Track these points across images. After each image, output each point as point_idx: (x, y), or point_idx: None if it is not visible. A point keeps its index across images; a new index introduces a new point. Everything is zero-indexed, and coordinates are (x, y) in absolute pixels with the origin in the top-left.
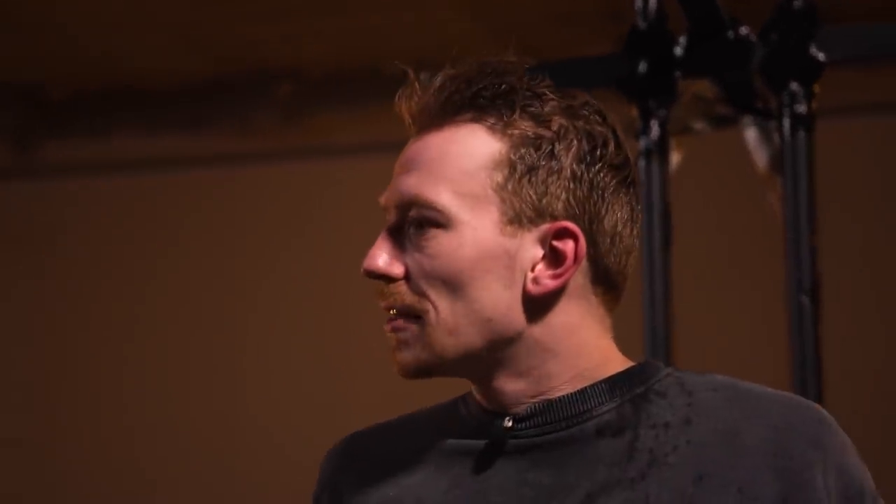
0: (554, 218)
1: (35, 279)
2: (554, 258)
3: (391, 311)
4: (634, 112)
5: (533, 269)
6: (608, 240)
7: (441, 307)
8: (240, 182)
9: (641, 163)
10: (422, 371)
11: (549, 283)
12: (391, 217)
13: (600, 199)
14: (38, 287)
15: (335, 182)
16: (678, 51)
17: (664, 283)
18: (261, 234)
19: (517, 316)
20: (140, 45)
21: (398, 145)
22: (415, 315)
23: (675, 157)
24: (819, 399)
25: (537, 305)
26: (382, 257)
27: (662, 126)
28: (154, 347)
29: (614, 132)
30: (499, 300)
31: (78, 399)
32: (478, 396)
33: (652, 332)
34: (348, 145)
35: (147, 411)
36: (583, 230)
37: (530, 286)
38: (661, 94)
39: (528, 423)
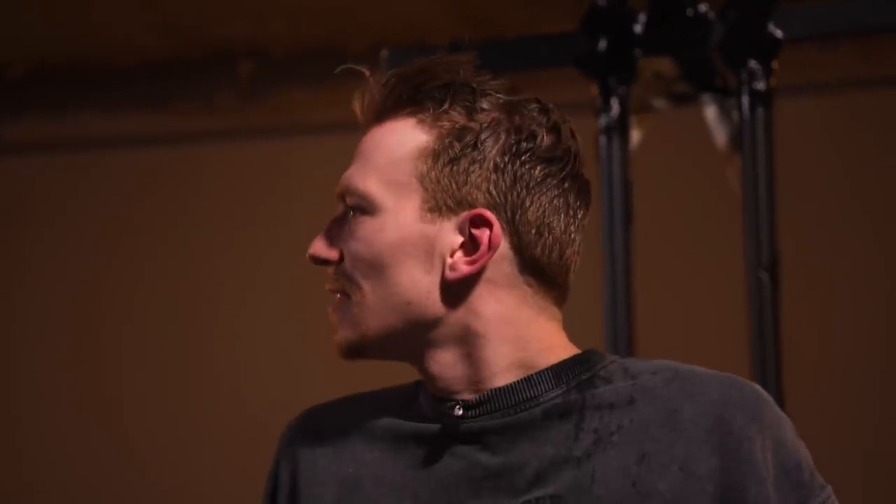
0: (474, 207)
1: None
2: (472, 245)
3: (332, 292)
4: (594, 90)
5: (452, 256)
6: (533, 230)
7: (366, 289)
8: (201, 160)
9: (602, 140)
10: (352, 350)
11: (464, 269)
12: (339, 206)
13: (524, 191)
14: None
15: (298, 160)
16: (638, 28)
17: (625, 260)
18: (222, 213)
19: (436, 300)
20: (100, 22)
21: (361, 125)
22: (346, 295)
23: (635, 135)
24: (777, 375)
25: (457, 291)
26: (321, 244)
27: (622, 104)
28: (110, 325)
29: (556, 128)
30: (418, 284)
31: (40, 379)
32: (426, 383)
33: (613, 309)
34: (311, 124)
35: (125, 395)
36: (505, 220)
37: (448, 272)
38: (621, 71)
39: (477, 411)
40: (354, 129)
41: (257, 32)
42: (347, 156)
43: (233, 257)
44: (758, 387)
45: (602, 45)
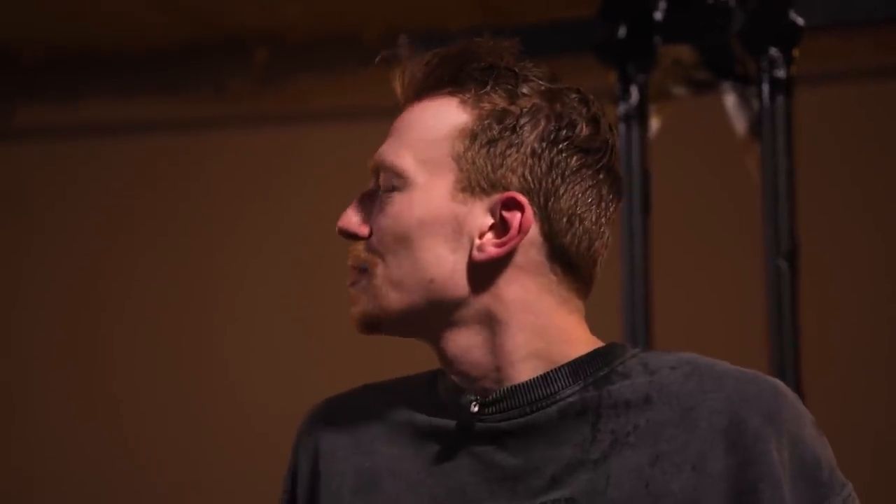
0: (507, 190)
1: (4, 242)
2: (502, 228)
3: (352, 268)
4: (613, 77)
5: (481, 237)
6: (565, 219)
7: (390, 263)
8: (214, 147)
9: (621, 128)
10: (371, 324)
11: (491, 251)
12: (371, 181)
13: (559, 178)
14: (6, 250)
15: (311, 148)
16: (658, 15)
17: (643, 249)
18: (235, 200)
19: (461, 280)
20: (113, 7)
21: (375, 111)
22: (366, 269)
23: (654, 123)
24: (796, 364)
25: (483, 273)
26: (352, 217)
27: (642, 91)
28: (121, 311)
29: (595, 120)
30: (443, 262)
31: (34, 362)
32: (446, 371)
33: (631, 299)
34: (325, 111)
35: (129, 385)
36: (537, 206)
37: (475, 253)
38: (641, 58)
39: (494, 408)
40: (367, 117)
41: (271, 19)
42: (361, 143)
43: (246, 244)
44: (777, 382)
45: (621, 31)
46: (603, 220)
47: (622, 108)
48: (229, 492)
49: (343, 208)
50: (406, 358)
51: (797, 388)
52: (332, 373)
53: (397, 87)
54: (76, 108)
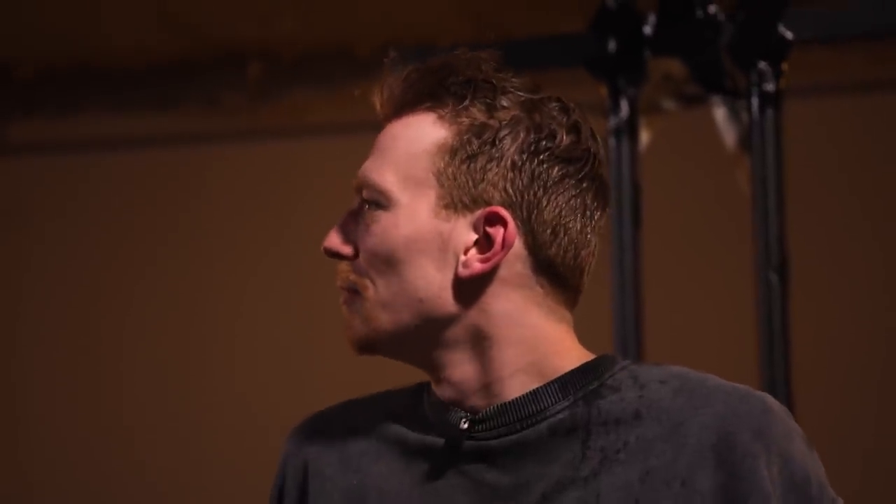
0: (489, 204)
1: (0, 257)
2: (486, 243)
3: (342, 289)
4: (604, 91)
5: (465, 253)
6: (549, 230)
7: (379, 284)
8: (210, 161)
9: (612, 142)
10: (365, 346)
11: (476, 267)
12: (355, 199)
13: (541, 190)
14: (2, 265)
15: (306, 162)
16: (647, 30)
17: (633, 261)
18: (230, 213)
19: (449, 298)
20: (108, 22)
21: (370, 125)
22: (357, 291)
23: (644, 137)
24: (786, 376)
25: (470, 289)
26: (336, 237)
27: (632, 105)
28: (118, 326)
29: (576, 128)
30: (431, 281)
31: (35, 375)
32: (434, 387)
33: (621, 311)
34: (319, 125)
35: (118, 396)
36: (520, 219)
37: (461, 269)
38: (631, 72)
39: (483, 426)
40: (363, 131)
41: (266, 34)
42: (356, 157)
43: (242, 258)
44: (767, 397)
45: (612, 46)
46: (588, 228)
47: (613, 122)
48: (230, 494)
49: (336, 221)
50: (405, 367)
51: (788, 401)
52: (330, 382)
53: (376, 102)
54: (72, 123)
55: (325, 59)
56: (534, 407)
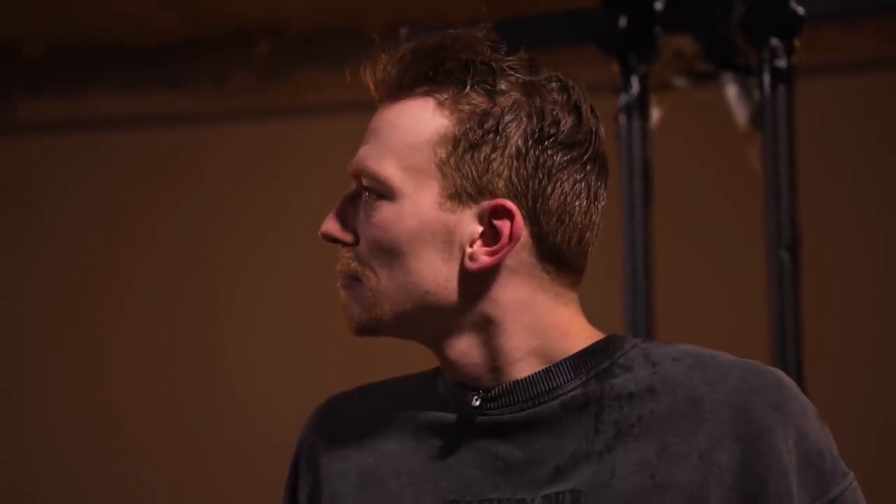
0: (494, 195)
1: (7, 235)
2: (492, 235)
3: (342, 273)
4: (615, 68)
5: (471, 245)
6: (554, 218)
7: (381, 275)
8: (216, 140)
9: (622, 119)
10: (365, 330)
11: (484, 260)
12: (352, 184)
13: (546, 178)
14: (8, 243)
15: (314, 140)
16: (658, 6)
17: (644, 240)
18: (237, 193)
19: (454, 289)
20: (114, 2)
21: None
22: (358, 278)
23: (655, 114)
24: (798, 354)
25: (476, 281)
26: (334, 223)
27: (643, 82)
28: (123, 306)
29: (577, 109)
30: (436, 273)
31: (36, 358)
32: (447, 371)
33: (632, 290)
34: (327, 104)
35: (116, 374)
36: (525, 209)
37: (468, 262)
38: (642, 49)
39: (496, 403)
40: (371, 110)
41: (272, 12)
42: (362, 137)
43: (249, 235)
44: (781, 373)
45: (622, 22)
46: (593, 209)
47: (623, 99)
48: (229, 492)
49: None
50: (407, 356)
51: (798, 378)
52: (332, 368)
53: (370, 82)
54: (78, 102)
55: (331, 37)
56: (545, 385)
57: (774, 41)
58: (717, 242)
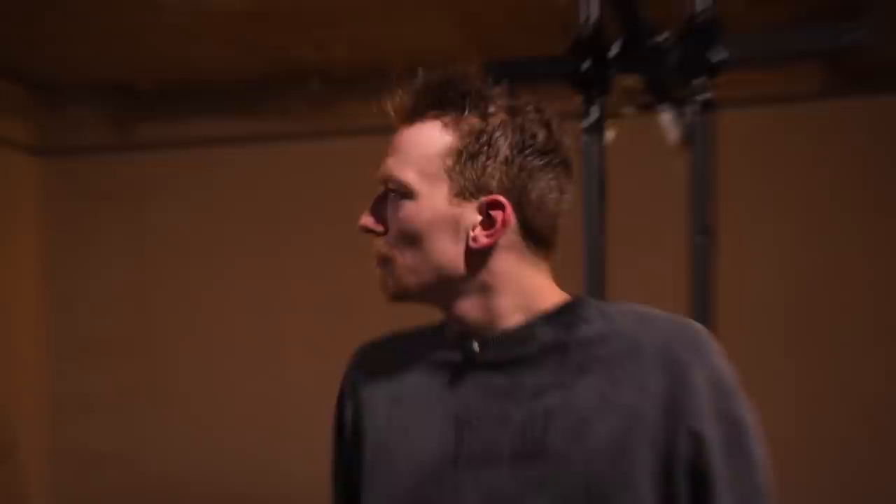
0: (490, 192)
1: (127, 235)
2: (489, 222)
3: (377, 257)
4: (579, 99)
5: (473, 230)
6: (535, 208)
7: (406, 255)
8: (281, 157)
9: (584, 138)
10: (397, 297)
11: (483, 240)
12: (381, 187)
13: (528, 178)
14: (129, 240)
15: (355, 157)
16: (612, 53)
17: (599, 226)
18: (297, 200)
19: (461, 264)
20: (206, 50)
21: (393, 124)
22: (389, 259)
23: (609, 135)
24: (711, 311)
25: (478, 256)
26: (369, 217)
27: (600, 110)
28: (215, 272)
29: (548, 125)
30: (448, 252)
31: (158, 342)
32: (451, 323)
33: (590, 262)
34: (365, 128)
35: (215, 329)
36: (513, 201)
37: (471, 242)
38: (600, 86)
39: (490, 347)
40: (393, 132)
41: (324, 56)
42: (388, 151)
43: (308, 238)
44: (698, 325)
45: (586, 65)
46: (562, 201)
47: (585, 123)
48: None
49: None
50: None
51: (711, 328)
52: (381, 318)
53: (390, 111)
54: (178, 126)
55: (369, 75)
56: (527, 334)
57: (700, 80)
58: (654, 229)
